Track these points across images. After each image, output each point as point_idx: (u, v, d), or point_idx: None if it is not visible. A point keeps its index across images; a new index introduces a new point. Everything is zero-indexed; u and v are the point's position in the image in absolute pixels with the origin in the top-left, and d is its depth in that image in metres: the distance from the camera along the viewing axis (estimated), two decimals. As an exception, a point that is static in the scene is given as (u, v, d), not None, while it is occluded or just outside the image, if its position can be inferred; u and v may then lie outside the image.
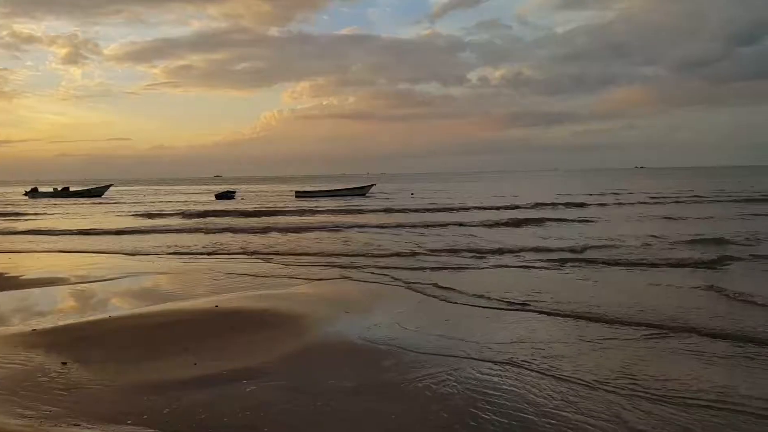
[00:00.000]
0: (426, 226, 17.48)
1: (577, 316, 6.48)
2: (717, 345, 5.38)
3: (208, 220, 22.28)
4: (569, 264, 9.97)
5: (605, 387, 4.41)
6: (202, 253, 12.69)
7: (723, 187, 41.46)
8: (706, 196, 31.38)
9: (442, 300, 7.50)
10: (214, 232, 17.09)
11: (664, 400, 4.14)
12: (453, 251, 11.69)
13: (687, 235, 13.47)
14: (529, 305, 7.03)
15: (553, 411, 4.00)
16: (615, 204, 27.29)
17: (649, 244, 12.16)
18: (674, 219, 18.92)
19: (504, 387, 4.45)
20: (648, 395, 4.24)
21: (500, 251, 11.55)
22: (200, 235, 16.56)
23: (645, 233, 14.23)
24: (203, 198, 44.01)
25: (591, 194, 35.82)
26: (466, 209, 25.23)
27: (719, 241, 12.22)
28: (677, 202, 28.03)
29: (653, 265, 9.68)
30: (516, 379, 4.61)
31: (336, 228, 17.45)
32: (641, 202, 28.08)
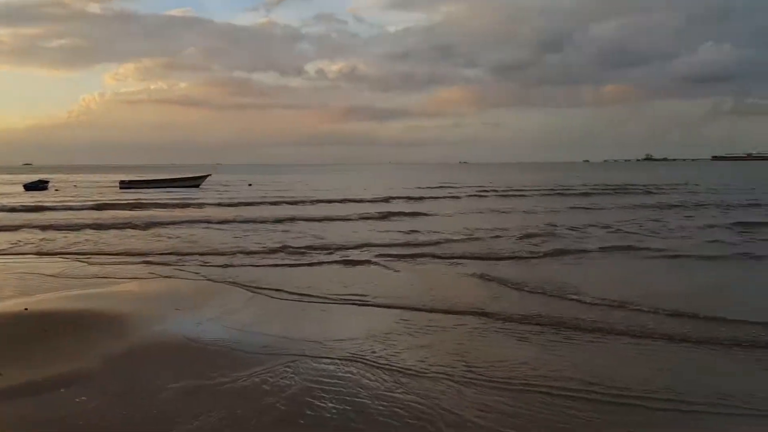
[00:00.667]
0: (262, 221, 16.87)
1: (406, 308, 6.71)
2: (528, 328, 5.94)
3: (14, 215, 19.76)
4: (404, 259, 10.18)
5: (436, 372, 4.73)
6: (3, 253, 11.26)
7: (538, 182, 46.02)
8: (526, 190, 34.44)
9: (273, 297, 7.35)
10: (19, 229, 15.13)
11: (486, 383, 4.55)
12: (287, 246, 11.54)
13: (508, 228, 14.70)
14: (361, 299, 7.18)
15: (386, 394, 4.21)
16: (447, 197, 28.62)
17: (479, 238, 12.80)
18: (501, 212, 20.26)
19: (339, 375, 4.58)
20: (471, 377, 4.62)
21: (335, 246, 11.58)
22: (2, 233, 14.64)
23: (475, 226, 15.10)
24: (8, 189, 38.93)
25: (425, 188, 37.24)
26: (304, 203, 25.04)
27: (538, 234, 13.27)
28: (502, 195, 30.20)
29: (482, 258, 10.20)
30: (351, 368, 4.76)
31: (163, 223, 16.23)
32: (471, 195, 30.02)
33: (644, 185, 38.65)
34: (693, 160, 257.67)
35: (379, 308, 6.78)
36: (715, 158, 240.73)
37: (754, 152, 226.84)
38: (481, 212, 20.42)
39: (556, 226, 15.03)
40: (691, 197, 26.95)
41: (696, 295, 7.33)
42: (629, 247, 11.30)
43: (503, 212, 20.30)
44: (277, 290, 7.66)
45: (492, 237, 12.98)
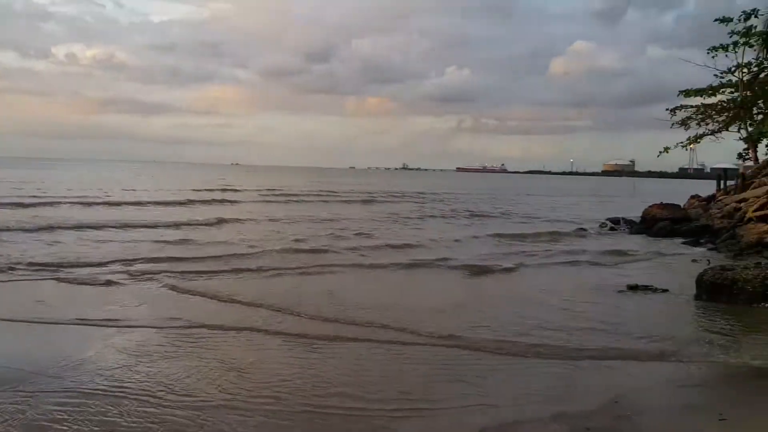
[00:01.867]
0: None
1: (151, 327, 6.29)
2: (274, 340, 5.97)
3: None
4: (154, 275, 8.98)
5: (183, 387, 4.65)
6: None
7: (315, 187, 44.42)
8: (307, 194, 34.23)
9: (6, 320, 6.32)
10: None
11: (240, 392, 4.60)
12: (14, 260, 9.60)
13: (268, 240, 13.99)
14: (99, 321, 6.43)
15: (139, 410, 4.04)
16: (222, 201, 26.50)
17: (240, 253, 11.54)
18: (276, 220, 18.94)
19: (84, 395, 4.27)
20: (227, 387, 4.68)
21: (69, 263, 9.80)
22: None
23: (241, 236, 14.35)
24: None
25: (200, 190, 33.52)
26: (45, 204, 20.47)
27: (298, 247, 12.52)
28: (280, 201, 28.82)
29: (225, 272, 9.52)
30: (98, 388, 4.43)
31: None
32: (254, 201, 28.56)
33: (408, 192, 41.76)
34: (441, 170, 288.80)
35: (117, 328, 6.16)
36: (459, 169, 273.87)
37: (487, 165, 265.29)
38: (255, 220, 18.90)
39: (329, 234, 14.86)
40: (446, 206, 29.70)
41: (437, 309, 7.40)
42: (375, 261, 11.20)
43: (276, 220, 19.00)
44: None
45: (250, 249, 12.00)
